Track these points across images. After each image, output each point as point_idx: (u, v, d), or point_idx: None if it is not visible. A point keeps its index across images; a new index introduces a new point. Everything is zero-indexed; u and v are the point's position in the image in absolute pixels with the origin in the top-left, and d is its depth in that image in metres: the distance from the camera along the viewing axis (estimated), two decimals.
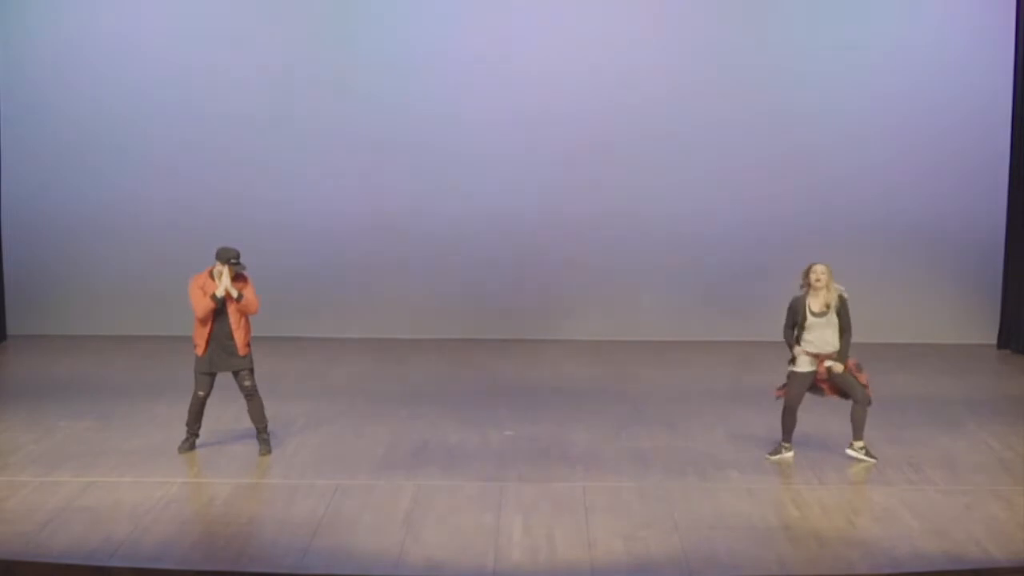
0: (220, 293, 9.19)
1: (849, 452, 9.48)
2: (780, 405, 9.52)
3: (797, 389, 9.41)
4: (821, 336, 9.28)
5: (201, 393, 9.44)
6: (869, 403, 9.37)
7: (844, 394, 9.42)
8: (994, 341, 14.45)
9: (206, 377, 9.43)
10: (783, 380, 9.52)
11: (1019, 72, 13.88)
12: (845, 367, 9.28)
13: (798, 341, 9.36)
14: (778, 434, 9.56)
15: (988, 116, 14.13)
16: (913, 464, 9.41)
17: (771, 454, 9.56)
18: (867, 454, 9.42)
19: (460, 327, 14.51)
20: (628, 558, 7.49)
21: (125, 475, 9.01)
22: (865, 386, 9.35)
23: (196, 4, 14.22)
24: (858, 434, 9.44)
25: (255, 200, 14.30)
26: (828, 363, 9.27)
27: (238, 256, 9.26)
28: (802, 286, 9.35)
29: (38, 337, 14.24)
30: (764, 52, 14.16)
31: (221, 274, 9.25)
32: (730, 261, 14.39)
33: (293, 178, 14.32)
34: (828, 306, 9.25)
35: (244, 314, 9.36)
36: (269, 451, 9.52)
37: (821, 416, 10.61)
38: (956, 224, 14.34)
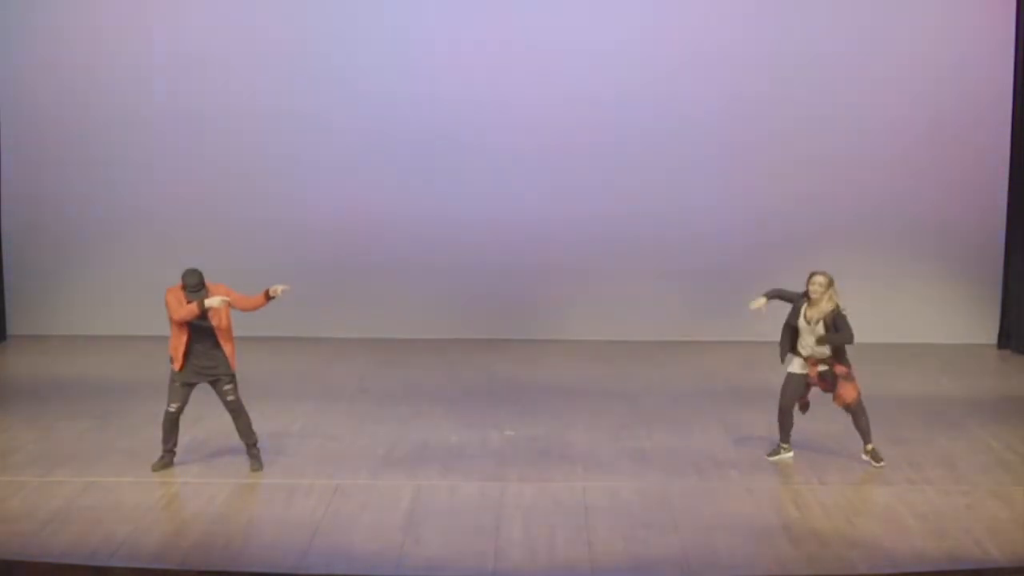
0: (217, 304, 8.71)
1: (864, 457, 9.41)
2: (795, 409, 9.45)
3: (791, 390, 9.37)
4: (805, 341, 9.24)
5: (172, 408, 8.97)
6: (858, 410, 9.28)
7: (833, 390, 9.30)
8: (994, 341, 14.45)
9: (183, 389, 8.96)
10: (783, 381, 9.50)
11: (1019, 72, 13.89)
12: (833, 367, 9.20)
13: (793, 343, 9.33)
14: (777, 434, 9.56)
15: (988, 116, 14.13)
16: (913, 464, 9.41)
17: (770, 455, 9.56)
18: (874, 458, 9.37)
19: (460, 327, 14.51)
20: (628, 558, 7.49)
21: (125, 475, 9.01)
22: (854, 393, 9.25)
23: (198, 7, 14.21)
24: (866, 438, 9.37)
25: (255, 200, 14.31)
26: (821, 368, 9.21)
27: (198, 282, 8.82)
28: (804, 292, 9.27)
29: (38, 337, 14.25)
30: (764, 52, 14.14)
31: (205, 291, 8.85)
32: (730, 261, 14.38)
33: (293, 179, 14.32)
34: (822, 319, 9.11)
35: (245, 309, 9.05)
36: (261, 467, 9.20)
37: (821, 416, 10.61)
38: (956, 224, 14.33)
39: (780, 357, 9.43)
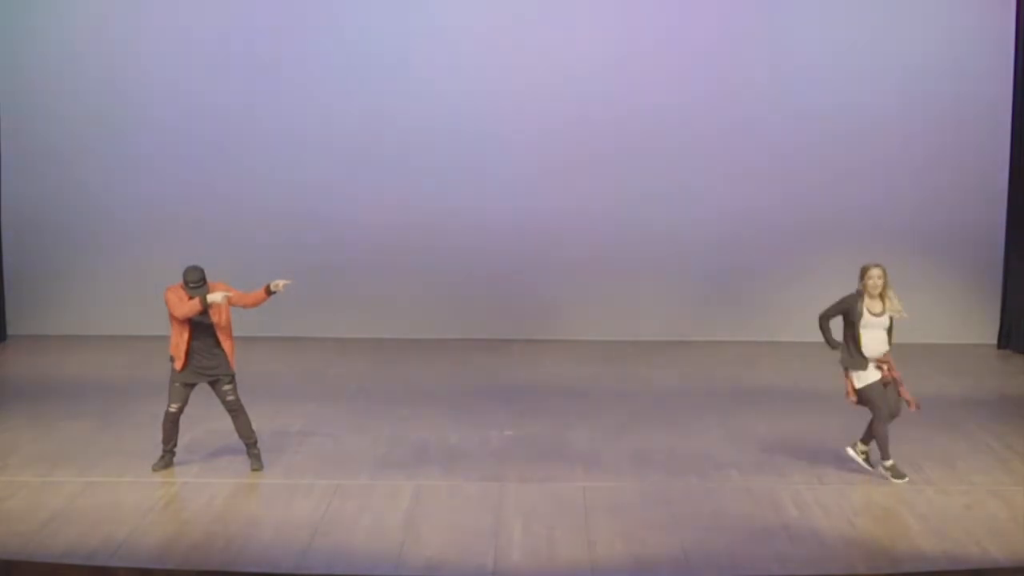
0: (219, 299, 8.68)
1: (849, 451, 9.26)
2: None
3: (880, 397, 8.98)
4: (876, 336, 8.94)
5: (173, 408, 8.95)
6: (893, 416, 9.07)
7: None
8: (994, 341, 14.44)
9: (183, 389, 8.95)
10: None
11: (1019, 73, 13.87)
12: (893, 374, 9.02)
13: (857, 344, 8.92)
14: (777, 434, 9.52)
15: (988, 117, 14.12)
16: (913, 464, 9.40)
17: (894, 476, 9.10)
18: (866, 461, 9.19)
19: (460, 327, 14.51)
20: (628, 558, 7.49)
21: (125, 475, 9.00)
22: (908, 402, 9.04)
23: (196, 7, 14.20)
24: (866, 438, 9.18)
25: (255, 200, 14.31)
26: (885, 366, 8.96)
27: (200, 278, 8.79)
28: (859, 289, 8.97)
29: (38, 337, 14.25)
30: (765, 54, 14.15)
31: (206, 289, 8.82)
32: (730, 261, 14.38)
33: (293, 179, 14.32)
34: (884, 310, 8.95)
35: (246, 306, 9.04)
36: (261, 466, 9.18)
37: (821, 416, 10.62)
38: (956, 224, 14.32)
39: (845, 363, 9.00)
